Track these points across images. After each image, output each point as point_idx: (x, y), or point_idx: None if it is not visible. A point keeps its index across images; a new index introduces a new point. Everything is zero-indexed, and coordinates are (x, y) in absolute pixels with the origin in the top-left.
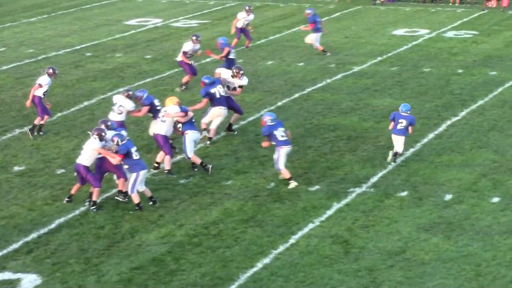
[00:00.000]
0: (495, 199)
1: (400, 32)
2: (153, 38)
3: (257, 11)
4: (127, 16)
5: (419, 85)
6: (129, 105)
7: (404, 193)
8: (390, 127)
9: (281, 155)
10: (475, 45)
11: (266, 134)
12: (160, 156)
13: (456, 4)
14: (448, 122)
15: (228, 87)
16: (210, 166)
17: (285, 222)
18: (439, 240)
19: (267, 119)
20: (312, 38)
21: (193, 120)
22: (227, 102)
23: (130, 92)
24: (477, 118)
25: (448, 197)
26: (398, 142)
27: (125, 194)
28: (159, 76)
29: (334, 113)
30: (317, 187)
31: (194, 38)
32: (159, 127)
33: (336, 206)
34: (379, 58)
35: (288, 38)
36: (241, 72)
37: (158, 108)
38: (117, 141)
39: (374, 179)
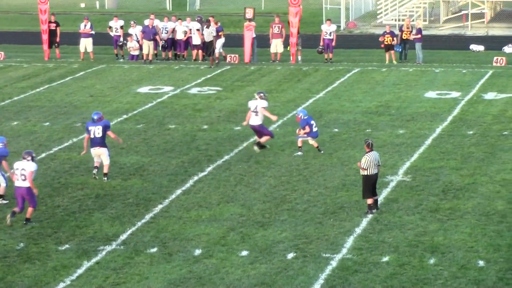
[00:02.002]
0: (244, 253)
1: (144, 89)
2: None
3: (0, 72)
4: None
5: (165, 142)
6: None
7: (154, 249)
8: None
9: (310, 140)
10: (219, 100)
11: (303, 125)
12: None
13: (200, 61)
14: (195, 178)
15: None
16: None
17: (36, 283)
18: None
19: (301, 115)
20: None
21: None
22: None
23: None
24: (223, 173)
25: (198, 252)
26: None
27: None
28: None
29: (82, 171)
30: (66, 246)
31: None
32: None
33: (86, 264)
34: (125, 116)
35: (33, 98)
36: None
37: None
38: None
39: (123, 237)
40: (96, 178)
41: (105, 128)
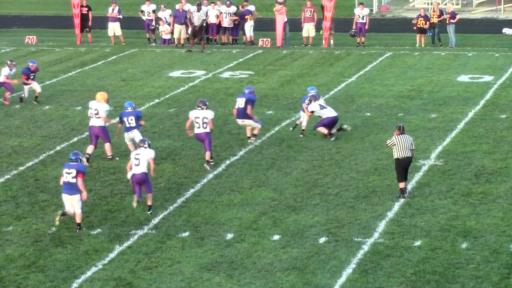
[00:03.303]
0: (276, 237)
1: (176, 74)
2: None
3: (32, 56)
4: None
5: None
6: None
7: (186, 234)
8: None
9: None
10: (251, 84)
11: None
12: None
13: (231, 45)
14: (227, 162)
15: None
16: None
17: (68, 267)
18: (222, 279)
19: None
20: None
21: None
22: None
23: None
24: (255, 157)
25: (229, 236)
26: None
27: None
28: None
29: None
30: (98, 230)
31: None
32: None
33: (118, 248)
34: (157, 100)
35: (65, 82)
36: None
37: None
38: None
39: (155, 221)
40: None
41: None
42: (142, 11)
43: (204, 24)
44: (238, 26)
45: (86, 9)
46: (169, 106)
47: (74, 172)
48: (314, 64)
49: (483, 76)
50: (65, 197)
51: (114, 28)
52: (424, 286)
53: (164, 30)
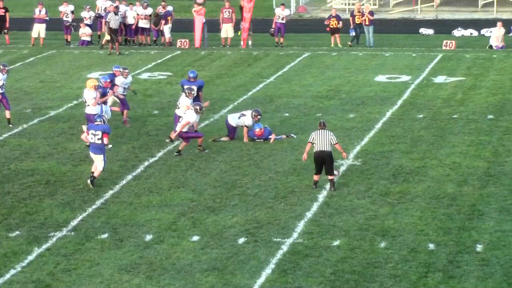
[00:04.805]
0: (195, 238)
1: (95, 75)
2: None
3: None
4: None
5: (115, 127)
6: None
7: (105, 236)
8: None
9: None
10: (170, 86)
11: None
12: None
13: (149, 46)
14: (146, 163)
15: None
16: None
17: None
18: (141, 280)
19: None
20: None
21: None
22: None
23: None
24: (174, 158)
25: (149, 237)
26: None
27: None
28: None
29: (32, 158)
30: (17, 232)
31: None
32: None
33: (37, 251)
34: (75, 102)
35: None
36: None
37: None
38: None
39: (74, 223)
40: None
41: (200, 88)
42: (62, 12)
43: (116, 27)
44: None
45: (3, 10)
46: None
47: (100, 133)
48: (232, 65)
49: (401, 76)
50: (92, 156)
51: (39, 30)
52: (343, 286)
53: (85, 32)
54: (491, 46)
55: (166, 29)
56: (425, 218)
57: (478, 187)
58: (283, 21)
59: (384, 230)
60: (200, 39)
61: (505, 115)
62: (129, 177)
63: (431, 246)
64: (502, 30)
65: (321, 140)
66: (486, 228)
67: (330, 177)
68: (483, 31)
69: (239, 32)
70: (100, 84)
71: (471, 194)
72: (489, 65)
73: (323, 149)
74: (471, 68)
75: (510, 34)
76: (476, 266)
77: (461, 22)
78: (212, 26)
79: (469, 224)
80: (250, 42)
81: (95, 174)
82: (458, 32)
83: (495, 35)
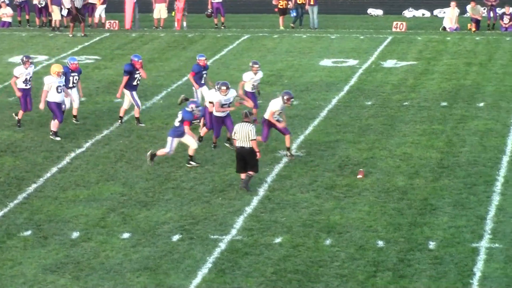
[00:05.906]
0: (125, 235)
1: (16, 59)
2: None
3: None
4: None
5: (39, 116)
6: None
7: (28, 233)
8: None
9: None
10: (98, 70)
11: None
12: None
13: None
14: (72, 155)
15: None
16: None
17: None
18: (67, 281)
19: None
20: None
21: None
22: None
23: None
24: (102, 149)
25: (75, 234)
26: None
27: None
28: None
29: None
30: None
31: None
32: None
33: None
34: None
35: None
36: None
37: None
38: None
39: None
40: None
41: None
42: None
43: (80, 6)
44: (93, 10)
45: None
46: (8, 94)
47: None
48: (166, 48)
49: (347, 60)
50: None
51: None
52: (285, 286)
53: (5, 13)
54: (444, 28)
55: (101, 9)
56: (373, 213)
57: (430, 180)
58: (220, 0)
59: (329, 226)
60: (130, 20)
61: (459, 102)
62: (54, 169)
63: (380, 243)
64: (456, 11)
65: (242, 135)
66: (439, 224)
67: (250, 173)
68: (436, 12)
69: (173, 12)
70: (67, 66)
71: (423, 187)
72: (442, 48)
73: (243, 145)
74: (423, 52)
75: (464, 15)
76: (429, 265)
77: (412, 1)
78: (144, 6)
79: (421, 219)
80: (184, 24)
81: (190, 154)
82: (409, 13)
83: (449, 16)
